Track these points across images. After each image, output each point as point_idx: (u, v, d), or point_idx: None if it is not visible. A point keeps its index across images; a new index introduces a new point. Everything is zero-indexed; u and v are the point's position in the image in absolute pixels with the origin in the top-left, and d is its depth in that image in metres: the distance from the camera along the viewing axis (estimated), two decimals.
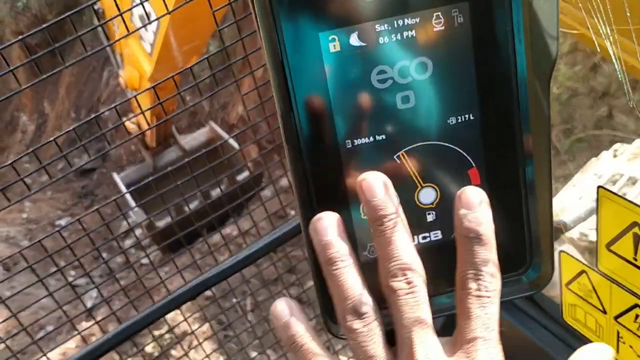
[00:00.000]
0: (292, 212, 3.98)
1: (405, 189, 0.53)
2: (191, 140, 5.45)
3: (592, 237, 1.40)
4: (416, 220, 0.53)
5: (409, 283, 0.46)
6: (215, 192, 3.58)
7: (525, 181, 0.53)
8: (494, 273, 0.47)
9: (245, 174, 4.04)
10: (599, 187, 0.68)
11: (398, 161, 0.52)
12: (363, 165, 0.52)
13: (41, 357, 1.66)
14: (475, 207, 0.49)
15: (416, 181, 0.53)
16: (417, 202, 0.54)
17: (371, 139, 0.52)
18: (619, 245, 0.68)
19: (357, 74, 0.50)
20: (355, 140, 0.52)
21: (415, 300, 0.46)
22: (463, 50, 0.50)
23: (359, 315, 0.46)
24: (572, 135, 3.31)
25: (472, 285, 0.47)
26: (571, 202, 1.92)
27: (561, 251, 0.77)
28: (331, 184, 0.53)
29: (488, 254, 0.47)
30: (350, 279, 0.48)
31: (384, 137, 0.52)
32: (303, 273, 2.42)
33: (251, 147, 4.60)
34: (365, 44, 0.49)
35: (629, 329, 0.73)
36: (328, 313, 0.56)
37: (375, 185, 0.48)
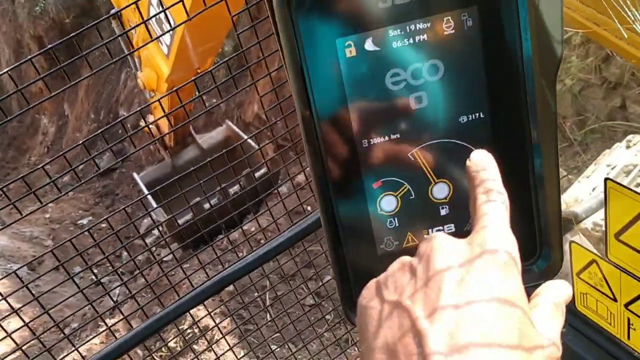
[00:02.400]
0: (309, 208, 4.02)
1: (419, 184, 0.57)
2: (208, 139, 5.50)
3: None
4: (430, 214, 0.56)
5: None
6: (234, 190, 3.62)
7: (535, 175, 0.56)
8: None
9: (263, 171, 4.07)
10: (606, 179, 0.70)
11: (412, 158, 0.56)
12: (379, 162, 0.56)
13: (72, 351, 1.71)
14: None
15: (430, 177, 0.56)
16: (431, 197, 0.57)
17: (386, 137, 0.55)
18: (627, 235, 0.71)
19: (372, 77, 0.53)
20: (371, 140, 0.55)
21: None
22: (473, 52, 0.53)
23: None
24: (585, 127, 3.30)
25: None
26: (585, 193, 1.93)
27: (572, 241, 0.80)
28: (349, 181, 0.56)
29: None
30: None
31: (398, 135, 0.55)
32: (321, 267, 2.45)
33: (268, 145, 4.65)
34: (380, 49, 0.52)
35: (639, 316, 0.75)
36: (348, 303, 0.59)
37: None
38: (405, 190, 0.57)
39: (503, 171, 0.54)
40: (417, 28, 0.52)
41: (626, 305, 0.76)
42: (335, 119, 0.54)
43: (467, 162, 0.51)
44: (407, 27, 0.52)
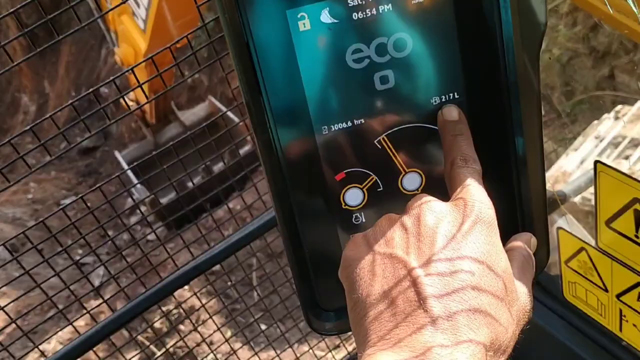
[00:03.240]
0: None
1: (388, 175, 0.51)
2: (191, 115, 5.43)
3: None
4: (401, 207, 0.49)
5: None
6: (218, 167, 3.58)
7: (517, 163, 0.51)
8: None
9: (247, 147, 4.03)
10: (596, 161, 0.65)
11: (379, 146, 0.50)
12: (341, 152, 0.49)
13: (51, 337, 1.67)
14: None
15: (399, 167, 0.51)
16: (402, 189, 0.52)
17: (349, 123, 0.49)
18: (619, 222, 0.66)
19: (330, 54, 0.47)
20: (332, 126, 0.49)
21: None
22: (445, 24, 0.46)
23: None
24: (573, 97, 3.27)
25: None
26: (572, 166, 1.90)
27: (559, 228, 0.76)
28: (308, 174, 0.50)
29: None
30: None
31: (362, 121, 0.49)
32: None
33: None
34: (338, 21, 0.46)
35: (632, 308, 0.71)
36: (309, 308, 0.54)
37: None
38: (372, 181, 0.51)
39: (481, 158, 0.48)
40: None
41: (618, 296, 0.72)
42: (288, 104, 0.47)
43: (441, 121, 0.50)
44: None
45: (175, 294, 1.89)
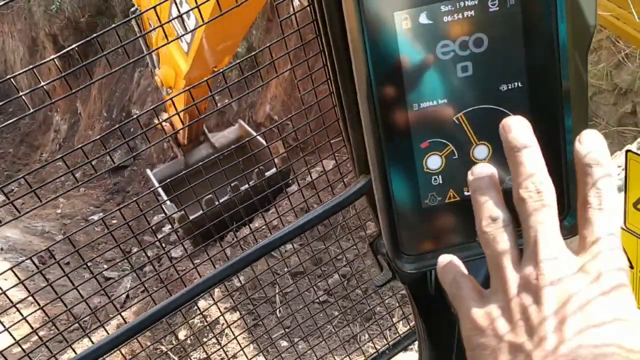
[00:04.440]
0: (315, 207, 4.03)
1: (462, 145, 0.62)
2: (221, 137, 5.56)
3: None
4: None
5: (537, 192, 0.51)
6: (244, 187, 3.65)
7: (565, 140, 0.62)
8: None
9: (273, 169, 4.10)
10: (627, 150, 0.71)
11: (457, 122, 0.61)
12: (427, 124, 0.61)
13: (66, 347, 1.72)
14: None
15: (472, 139, 0.62)
16: (473, 157, 0.63)
17: (434, 102, 0.61)
18: None
19: (424, 47, 0.59)
20: (421, 103, 0.61)
21: (541, 204, 0.51)
22: (513, 28, 0.59)
23: (493, 220, 0.52)
24: None
25: (594, 200, 0.50)
26: None
27: None
28: (400, 141, 0.62)
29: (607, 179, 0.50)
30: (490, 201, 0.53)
31: (445, 101, 0.61)
32: (329, 265, 2.50)
33: (278, 144, 4.68)
34: (432, 22, 0.59)
35: None
36: (395, 252, 0.65)
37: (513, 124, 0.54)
38: (450, 150, 0.62)
39: (538, 135, 0.59)
40: (466, 5, 0.58)
41: None
42: (389, 84, 0.60)
43: (578, 148, 0.52)
44: (457, 4, 0.58)
45: (202, 308, 1.94)
